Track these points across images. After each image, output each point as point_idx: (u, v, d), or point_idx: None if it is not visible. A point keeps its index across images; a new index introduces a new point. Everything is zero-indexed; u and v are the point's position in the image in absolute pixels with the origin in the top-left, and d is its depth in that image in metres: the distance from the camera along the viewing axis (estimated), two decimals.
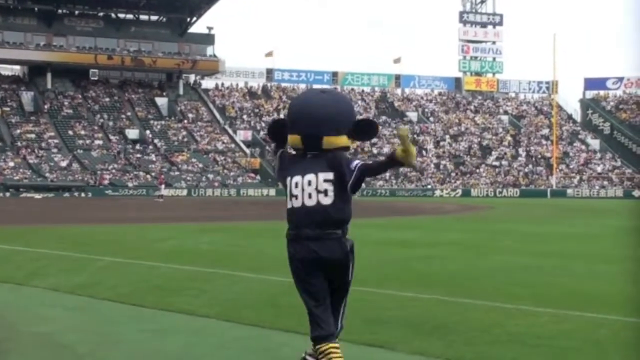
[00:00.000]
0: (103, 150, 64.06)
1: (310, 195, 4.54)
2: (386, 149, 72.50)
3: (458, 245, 15.03)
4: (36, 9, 70.22)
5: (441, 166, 71.56)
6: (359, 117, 4.68)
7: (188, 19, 75.07)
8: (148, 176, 60.36)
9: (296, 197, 4.58)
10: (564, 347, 5.87)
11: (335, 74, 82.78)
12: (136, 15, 75.00)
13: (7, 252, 13.28)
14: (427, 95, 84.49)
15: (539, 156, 75.18)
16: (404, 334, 6.34)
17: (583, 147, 77.94)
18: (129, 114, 70.66)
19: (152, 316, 7.38)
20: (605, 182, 70.05)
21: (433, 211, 33.93)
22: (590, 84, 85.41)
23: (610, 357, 5.65)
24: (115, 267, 11.12)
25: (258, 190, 60.70)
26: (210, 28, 76.19)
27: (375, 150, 71.99)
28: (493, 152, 75.37)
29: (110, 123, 68.20)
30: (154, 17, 75.70)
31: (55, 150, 62.65)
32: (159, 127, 69.64)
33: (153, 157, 64.89)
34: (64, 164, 60.36)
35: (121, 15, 74.45)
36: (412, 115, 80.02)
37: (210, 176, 62.53)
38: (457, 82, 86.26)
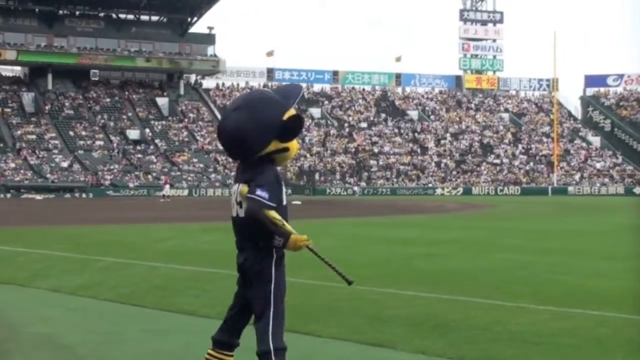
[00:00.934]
0: (104, 150, 64.08)
1: (233, 205, 4.32)
2: (386, 148, 72.52)
3: (459, 244, 15.02)
4: (37, 10, 70.19)
5: (442, 164, 71.52)
6: (289, 113, 4.19)
7: (188, 19, 75.04)
8: (149, 176, 60.39)
9: (232, 206, 4.33)
10: (565, 344, 5.87)
11: (335, 73, 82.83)
12: (137, 16, 74.97)
13: (8, 253, 13.28)
14: (427, 94, 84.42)
15: (540, 154, 75.11)
16: (405, 332, 6.34)
17: (584, 144, 77.87)
18: (129, 114, 70.64)
19: (153, 316, 7.39)
20: (606, 180, 69.98)
21: (434, 209, 33.92)
22: (591, 81, 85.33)
23: (612, 354, 5.64)
24: (117, 267, 11.12)
25: None
26: (210, 28, 76.32)
27: (375, 150, 72.02)
28: (494, 150, 75.31)
29: (111, 123, 68.22)
30: (154, 18, 75.68)
31: (56, 151, 62.65)
32: (159, 127, 69.65)
33: (154, 157, 64.90)
34: (65, 164, 60.36)
35: (122, 16, 74.43)
36: (413, 114, 79.98)
37: (212, 176, 62.55)
38: (458, 80, 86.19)
